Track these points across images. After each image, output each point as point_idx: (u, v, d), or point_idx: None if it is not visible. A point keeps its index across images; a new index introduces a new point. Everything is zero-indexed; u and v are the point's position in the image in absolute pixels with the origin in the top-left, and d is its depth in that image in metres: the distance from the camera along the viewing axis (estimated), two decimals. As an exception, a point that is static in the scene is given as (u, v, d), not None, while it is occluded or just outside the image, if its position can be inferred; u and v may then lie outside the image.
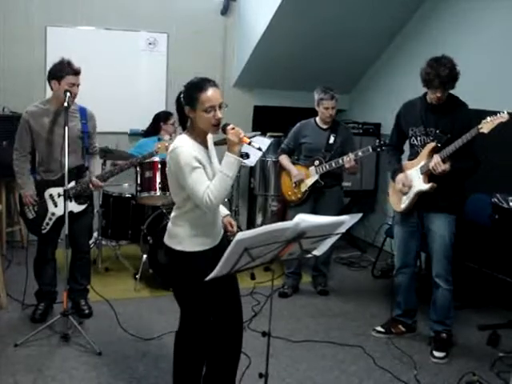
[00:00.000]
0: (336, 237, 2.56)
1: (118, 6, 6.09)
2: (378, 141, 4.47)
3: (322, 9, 5.54)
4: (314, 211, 4.57)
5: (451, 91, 3.65)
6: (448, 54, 3.59)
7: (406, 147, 4.02)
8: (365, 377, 3.55)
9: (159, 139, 4.87)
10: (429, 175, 3.67)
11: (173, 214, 2.79)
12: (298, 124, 4.84)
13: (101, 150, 4.44)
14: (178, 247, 2.72)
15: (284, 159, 4.83)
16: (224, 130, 2.64)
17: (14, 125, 4.23)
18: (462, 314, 4.26)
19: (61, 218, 3.84)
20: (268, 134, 6.15)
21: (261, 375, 2.69)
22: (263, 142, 5.51)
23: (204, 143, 2.74)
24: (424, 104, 3.74)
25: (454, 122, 3.62)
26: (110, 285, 4.87)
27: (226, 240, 2.87)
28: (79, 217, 3.97)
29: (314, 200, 4.73)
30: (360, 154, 4.44)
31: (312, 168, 4.67)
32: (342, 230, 2.52)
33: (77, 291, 4.16)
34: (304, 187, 4.70)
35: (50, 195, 3.93)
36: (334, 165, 4.52)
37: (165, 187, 4.86)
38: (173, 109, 5.66)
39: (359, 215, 2.50)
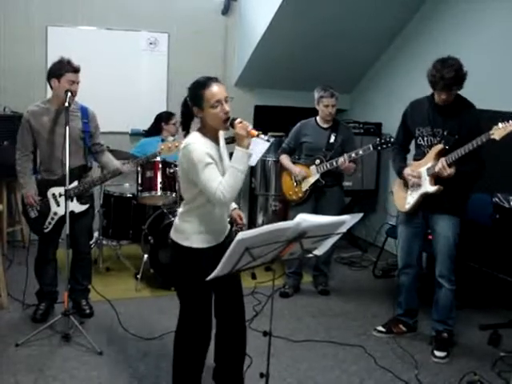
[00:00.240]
0: (337, 236, 2.56)
1: (119, 6, 6.10)
2: (378, 139, 4.47)
3: (323, 9, 5.54)
4: (315, 211, 4.57)
5: (460, 92, 3.62)
6: (448, 54, 3.57)
7: (412, 146, 4.00)
8: (366, 376, 3.55)
9: (163, 140, 4.86)
10: (435, 177, 3.66)
11: (181, 210, 2.81)
12: (299, 123, 4.84)
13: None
14: (185, 243, 2.73)
15: (284, 159, 4.82)
16: (232, 125, 2.66)
17: (15, 125, 4.24)
18: (462, 314, 4.25)
19: (62, 218, 3.84)
20: (269, 134, 6.15)
21: (262, 375, 2.70)
22: (263, 141, 5.49)
23: (216, 141, 2.76)
24: (431, 104, 3.71)
25: (461, 124, 3.60)
26: (110, 285, 4.87)
27: (232, 237, 2.87)
28: (80, 217, 3.97)
29: (314, 199, 4.73)
30: (361, 152, 4.44)
31: (313, 167, 4.66)
32: (343, 229, 2.52)
33: (78, 291, 4.17)
34: (305, 186, 4.70)
35: (53, 194, 3.93)
36: (334, 164, 4.52)
37: (166, 187, 4.88)
38: (174, 109, 5.75)
39: (360, 215, 2.50)
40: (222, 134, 2.84)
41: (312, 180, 4.67)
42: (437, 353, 3.80)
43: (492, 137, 3.30)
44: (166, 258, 4.72)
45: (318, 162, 4.64)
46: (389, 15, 5.81)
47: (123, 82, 6.20)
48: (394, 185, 4.08)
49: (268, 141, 2.76)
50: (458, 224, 3.75)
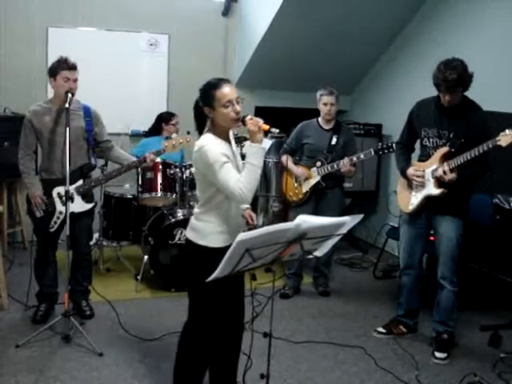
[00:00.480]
0: (337, 238, 2.56)
1: (119, 7, 6.10)
2: (380, 143, 4.47)
3: (323, 10, 5.55)
4: (316, 212, 4.56)
5: (471, 95, 3.62)
6: (449, 55, 3.56)
7: (417, 145, 3.99)
8: (366, 377, 3.54)
9: (167, 137, 4.85)
10: (440, 180, 3.66)
11: (197, 211, 2.83)
12: (301, 124, 4.84)
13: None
14: (202, 242, 2.75)
15: (286, 160, 4.82)
16: (243, 122, 2.69)
17: (16, 126, 4.24)
18: (463, 315, 4.25)
19: (64, 218, 3.84)
20: (269, 135, 6.15)
21: (262, 376, 2.70)
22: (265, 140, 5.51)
23: (227, 140, 2.79)
24: (438, 105, 3.68)
25: (468, 127, 3.58)
26: (111, 286, 4.87)
27: None
28: (80, 218, 3.97)
29: (315, 201, 4.73)
30: (362, 156, 4.44)
31: (314, 169, 4.66)
32: (344, 230, 2.52)
33: (78, 292, 4.17)
34: (305, 188, 4.70)
35: (58, 194, 3.93)
36: (335, 167, 4.52)
37: (166, 188, 4.88)
38: (174, 109, 5.76)
39: (360, 216, 2.50)
40: (231, 135, 2.87)
41: (313, 182, 4.67)
42: (437, 354, 3.80)
43: (499, 143, 3.29)
44: (166, 259, 4.72)
45: (319, 164, 4.64)
46: (388, 16, 5.82)
47: (123, 82, 6.21)
48: (398, 185, 4.07)
49: (279, 134, 2.78)
50: (461, 225, 3.75)
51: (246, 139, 5.22)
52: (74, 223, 3.84)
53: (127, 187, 5.48)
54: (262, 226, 2.94)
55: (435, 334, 3.92)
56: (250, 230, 2.66)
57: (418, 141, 3.90)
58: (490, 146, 3.35)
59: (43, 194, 3.91)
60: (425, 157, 3.82)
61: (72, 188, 3.82)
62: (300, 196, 4.74)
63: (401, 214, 4.09)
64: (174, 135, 4.97)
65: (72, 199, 3.83)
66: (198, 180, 2.83)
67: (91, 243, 4.46)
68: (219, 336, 2.88)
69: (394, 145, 4.28)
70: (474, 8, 5.18)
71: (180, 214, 4.81)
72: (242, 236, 2.15)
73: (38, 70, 5.79)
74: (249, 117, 2.68)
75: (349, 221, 2.46)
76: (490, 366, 3.68)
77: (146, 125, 5.74)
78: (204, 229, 2.76)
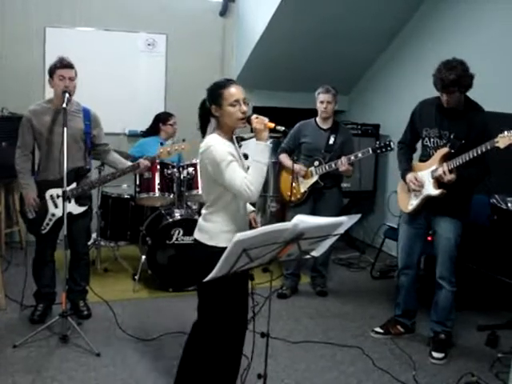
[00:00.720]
0: (335, 238, 2.57)
1: (117, 7, 6.11)
2: (378, 142, 4.47)
3: (321, 10, 5.55)
4: (313, 212, 4.57)
5: (470, 95, 3.62)
6: (448, 55, 3.56)
7: (418, 145, 4.00)
8: (363, 377, 3.54)
9: (162, 143, 4.85)
10: (439, 181, 3.67)
11: (204, 212, 2.85)
12: (298, 124, 4.84)
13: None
14: (210, 242, 2.76)
15: (284, 158, 4.82)
16: (249, 121, 2.72)
17: (13, 126, 4.23)
18: (460, 315, 4.25)
19: (60, 219, 3.84)
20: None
21: (259, 376, 2.70)
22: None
23: (231, 141, 2.82)
24: (440, 105, 3.68)
25: (469, 128, 3.58)
26: (108, 286, 4.87)
27: None
28: (78, 218, 3.97)
29: (313, 201, 4.73)
30: (360, 155, 4.44)
31: (312, 168, 4.66)
32: (341, 230, 2.52)
33: (76, 292, 4.16)
34: (304, 188, 4.70)
35: (51, 196, 3.93)
36: (333, 166, 4.52)
37: (164, 188, 4.89)
38: (172, 110, 5.75)
39: (358, 216, 2.50)
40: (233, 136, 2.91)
41: (311, 181, 4.67)
42: (435, 354, 3.80)
43: (496, 145, 3.30)
44: (164, 259, 4.72)
45: (316, 163, 4.64)
46: (388, 15, 5.82)
47: (121, 82, 6.21)
48: (398, 185, 4.08)
49: (285, 131, 2.83)
50: (460, 226, 3.76)
51: (242, 139, 5.24)
52: (71, 224, 3.84)
53: (125, 187, 5.48)
54: (260, 226, 2.95)
55: (433, 333, 3.92)
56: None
57: (420, 141, 3.90)
58: (489, 147, 3.36)
59: (38, 196, 3.91)
60: (425, 157, 3.83)
61: (61, 190, 3.82)
62: (298, 196, 4.74)
63: (400, 214, 4.09)
64: (168, 142, 4.97)
65: (74, 199, 3.84)
66: (203, 181, 2.85)
67: (89, 243, 4.46)
68: (228, 335, 2.88)
69: (391, 143, 4.29)
70: (474, 7, 5.18)
71: (177, 214, 4.81)
72: (239, 236, 2.15)
73: (35, 70, 5.79)
74: (254, 116, 2.71)
75: (346, 221, 2.47)
76: (488, 365, 3.69)
77: (143, 125, 5.74)
78: (212, 229, 2.78)
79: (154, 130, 5.53)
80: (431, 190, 3.71)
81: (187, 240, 4.69)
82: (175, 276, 4.73)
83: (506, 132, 3.27)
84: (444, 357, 3.79)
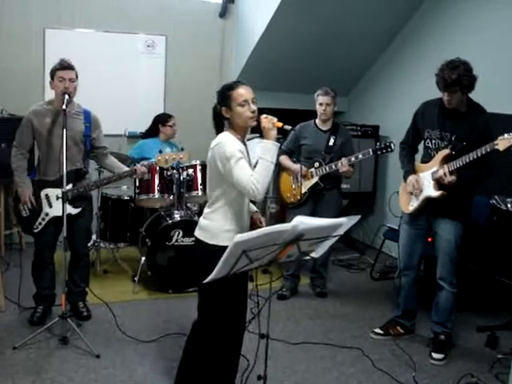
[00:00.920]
0: (334, 239, 2.57)
1: (117, 9, 6.10)
2: (378, 143, 4.47)
3: (320, 11, 5.55)
4: (313, 213, 4.58)
5: (471, 96, 3.62)
6: (449, 56, 3.57)
7: (420, 146, 3.99)
8: (363, 378, 3.54)
9: (160, 151, 4.83)
10: (439, 182, 3.67)
11: (206, 210, 2.88)
12: (298, 126, 4.82)
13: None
14: (212, 241, 2.79)
15: (284, 159, 4.82)
16: (258, 120, 2.78)
17: (13, 127, 4.23)
18: (460, 316, 4.25)
19: (58, 220, 3.82)
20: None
21: (259, 377, 2.69)
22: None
23: (243, 140, 2.86)
24: (442, 107, 3.68)
25: (471, 130, 3.59)
26: (108, 287, 4.87)
27: None
28: (78, 219, 3.96)
29: (313, 202, 4.73)
30: (360, 156, 4.44)
31: (312, 170, 4.66)
32: (341, 232, 2.52)
33: (75, 293, 4.16)
34: (304, 189, 4.70)
35: (46, 195, 3.93)
36: (333, 167, 4.52)
37: (163, 190, 4.89)
38: (171, 111, 5.75)
39: (357, 217, 2.51)
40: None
41: (311, 183, 4.67)
42: (434, 355, 3.80)
43: (496, 147, 3.31)
44: (164, 261, 4.72)
45: (317, 164, 4.64)
46: (387, 15, 5.81)
47: (121, 84, 6.21)
48: (401, 185, 4.07)
49: (293, 129, 2.92)
50: (460, 228, 3.76)
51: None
52: (71, 224, 3.84)
53: (124, 189, 5.48)
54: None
55: (433, 334, 3.93)
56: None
57: (422, 143, 3.91)
58: (488, 149, 3.36)
59: (33, 194, 3.92)
60: (427, 158, 3.83)
61: (61, 191, 3.83)
62: (298, 197, 4.73)
63: (402, 214, 4.09)
64: (167, 150, 4.96)
65: (68, 200, 3.82)
66: (210, 177, 2.88)
67: (89, 244, 4.45)
68: (227, 336, 2.89)
69: (392, 144, 4.29)
70: (475, 7, 5.16)
71: (177, 215, 4.81)
72: (238, 237, 2.15)
73: (35, 72, 5.79)
74: (263, 115, 2.76)
75: (346, 222, 2.47)
76: (487, 366, 3.69)
77: (143, 126, 5.74)
78: (213, 228, 2.80)
79: (153, 131, 5.53)
80: (431, 191, 3.71)
81: (187, 241, 4.69)
82: (175, 277, 4.73)
83: (505, 134, 3.27)
84: (444, 358, 3.80)
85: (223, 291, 2.73)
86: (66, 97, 3.72)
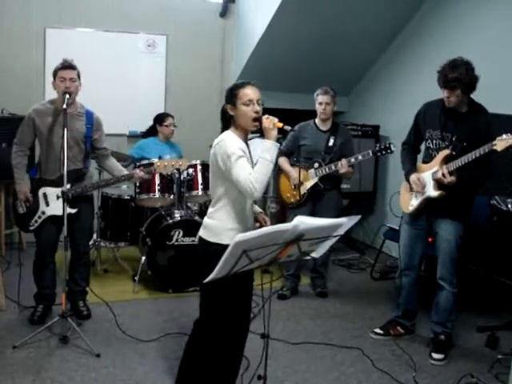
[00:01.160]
0: (334, 239, 2.57)
1: (117, 8, 6.11)
2: (378, 144, 4.47)
3: (321, 11, 5.55)
4: (313, 213, 4.57)
5: (472, 96, 3.62)
6: (449, 56, 3.57)
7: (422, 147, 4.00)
8: (363, 378, 3.54)
9: (160, 157, 4.82)
10: (439, 183, 3.67)
11: (210, 210, 2.91)
12: (297, 126, 4.82)
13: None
14: (214, 239, 2.80)
15: (283, 161, 4.82)
16: (260, 120, 2.80)
17: (13, 127, 4.23)
18: (460, 316, 4.25)
19: (59, 220, 3.81)
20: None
21: (259, 377, 2.69)
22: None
23: (245, 141, 2.89)
24: (443, 107, 3.68)
25: (471, 131, 3.59)
26: (108, 287, 4.87)
27: None
28: (79, 218, 3.97)
29: (312, 202, 4.73)
30: (360, 157, 4.44)
31: (311, 170, 4.66)
32: (341, 232, 2.52)
33: (76, 292, 4.16)
34: (303, 190, 4.70)
35: (44, 194, 3.94)
36: (333, 168, 4.52)
37: (164, 189, 4.89)
38: (171, 110, 5.75)
39: (358, 217, 2.51)
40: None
41: (311, 184, 4.67)
42: (434, 355, 3.80)
43: (494, 147, 3.32)
44: (164, 260, 4.72)
45: (316, 165, 4.64)
46: (387, 15, 5.82)
47: (121, 83, 6.21)
48: (402, 185, 4.07)
49: (292, 130, 2.94)
50: (461, 228, 3.76)
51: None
52: (72, 224, 3.84)
53: (125, 188, 5.48)
54: (260, 227, 2.95)
55: (433, 335, 3.93)
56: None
57: (423, 143, 3.91)
58: (487, 150, 3.37)
59: (31, 192, 3.92)
60: (428, 158, 3.83)
61: (58, 191, 3.85)
62: (298, 197, 4.73)
63: (403, 214, 4.09)
64: (166, 156, 4.95)
65: (68, 200, 3.82)
66: (212, 176, 2.89)
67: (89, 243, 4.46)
68: (229, 335, 2.89)
69: (391, 146, 4.29)
70: (475, 7, 5.16)
71: (177, 214, 4.81)
72: (239, 237, 2.16)
73: (35, 71, 5.79)
74: (265, 116, 2.79)
75: (346, 222, 2.47)
76: (487, 367, 3.69)
77: (143, 126, 5.74)
78: (217, 226, 2.82)
79: (153, 130, 5.54)
80: (431, 191, 3.72)
81: (187, 241, 4.70)
82: (175, 277, 4.73)
83: (504, 135, 3.28)
84: (444, 358, 3.80)
85: (225, 290, 2.73)
86: (67, 96, 3.72)
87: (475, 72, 3.50)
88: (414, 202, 3.86)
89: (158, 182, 4.86)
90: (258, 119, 2.78)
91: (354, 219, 2.49)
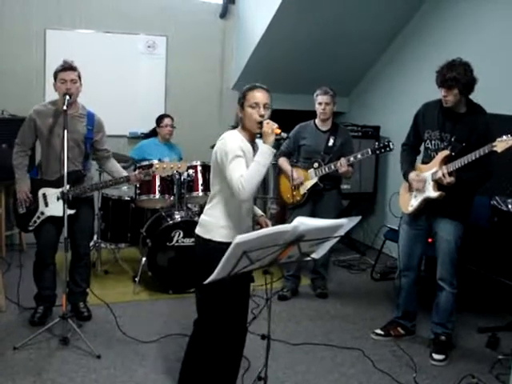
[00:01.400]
0: (335, 240, 2.57)
1: (117, 9, 6.11)
2: (377, 143, 4.47)
3: (321, 11, 5.56)
4: (313, 214, 4.57)
5: (472, 97, 3.62)
6: (449, 56, 3.57)
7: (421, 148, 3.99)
8: (364, 379, 3.54)
9: (160, 159, 4.81)
10: (439, 183, 3.67)
11: (206, 207, 2.93)
12: (298, 126, 4.83)
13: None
14: (207, 236, 2.83)
15: (283, 162, 4.82)
16: (261, 124, 2.83)
17: (14, 128, 4.24)
18: (460, 317, 4.25)
19: (59, 221, 3.81)
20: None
21: (260, 378, 2.69)
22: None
23: (251, 143, 2.90)
24: (442, 108, 3.68)
25: (470, 131, 3.59)
26: (109, 288, 4.87)
27: None
28: (79, 219, 3.97)
29: (312, 203, 4.73)
30: (359, 156, 4.44)
31: (311, 170, 4.66)
32: (341, 232, 2.52)
33: (76, 294, 4.16)
34: (303, 190, 4.70)
35: (43, 194, 3.94)
36: (333, 167, 4.52)
37: (164, 190, 4.89)
38: (171, 111, 5.76)
39: (358, 218, 2.51)
40: (260, 142, 2.95)
41: (310, 183, 4.67)
42: (435, 356, 3.80)
43: (494, 149, 3.32)
44: (164, 261, 4.72)
45: (316, 165, 4.64)
46: (388, 16, 5.82)
47: (121, 84, 6.21)
48: (402, 186, 4.08)
49: (288, 137, 3.05)
50: (461, 228, 3.76)
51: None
52: (72, 224, 3.84)
53: (125, 189, 5.48)
54: (260, 228, 2.95)
55: (433, 335, 3.92)
56: None
57: (423, 144, 3.91)
58: (486, 151, 3.37)
59: (31, 192, 3.92)
60: (427, 159, 3.83)
61: (58, 191, 3.85)
62: (298, 198, 4.73)
63: (402, 214, 4.09)
64: (166, 158, 4.94)
65: (68, 201, 3.82)
66: (212, 173, 2.92)
67: (90, 244, 4.45)
68: (226, 334, 2.89)
69: (390, 144, 4.29)
70: (475, 7, 5.16)
71: (178, 216, 4.81)
72: (239, 238, 2.15)
73: (36, 72, 5.79)
74: (266, 120, 2.81)
75: (346, 223, 2.47)
76: (488, 367, 3.68)
77: (143, 127, 5.76)
78: (210, 223, 2.84)
79: (154, 132, 5.56)
80: (431, 192, 3.72)
81: (187, 242, 4.70)
82: (175, 278, 4.73)
83: (504, 136, 3.28)
84: (444, 358, 3.79)
85: (220, 290, 2.73)
86: (67, 97, 3.72)
87: (474, 73, 3.50)
88: (414, 203, 3.85)
89: (158, 183, 4.86)
90: (262, 122, 2.80)
91: (355, 220, 2.49)
